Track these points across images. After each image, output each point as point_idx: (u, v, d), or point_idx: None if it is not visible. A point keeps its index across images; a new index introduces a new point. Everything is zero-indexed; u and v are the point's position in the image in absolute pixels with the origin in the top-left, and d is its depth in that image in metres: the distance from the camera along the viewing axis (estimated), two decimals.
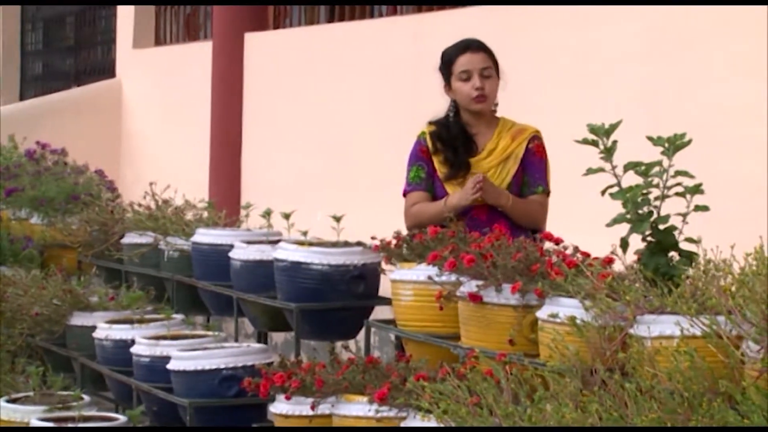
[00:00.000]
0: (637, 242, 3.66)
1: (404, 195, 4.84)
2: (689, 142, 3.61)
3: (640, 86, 5.81)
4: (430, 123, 4.88)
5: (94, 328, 5.93)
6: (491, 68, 4.82)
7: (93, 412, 5.29)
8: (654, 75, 5.76)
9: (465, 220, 4.61)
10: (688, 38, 5.62)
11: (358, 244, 5.17)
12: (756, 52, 5.30)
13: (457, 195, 4.71)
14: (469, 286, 3.93)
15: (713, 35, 5.51)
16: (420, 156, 4.83)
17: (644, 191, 3.62)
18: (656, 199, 3.63)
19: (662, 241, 3.62)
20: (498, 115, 4.87)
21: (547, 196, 4.82)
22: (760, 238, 3.37)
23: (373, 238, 4.63)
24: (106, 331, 5.83)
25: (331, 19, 8.26)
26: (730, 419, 2.79)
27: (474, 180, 4.67)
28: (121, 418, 5.22)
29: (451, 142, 4.80)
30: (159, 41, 10.43)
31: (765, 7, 5.19)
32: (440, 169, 4.79)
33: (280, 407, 4.39)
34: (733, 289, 3.19)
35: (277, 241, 5.46)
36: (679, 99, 5.62)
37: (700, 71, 5.56)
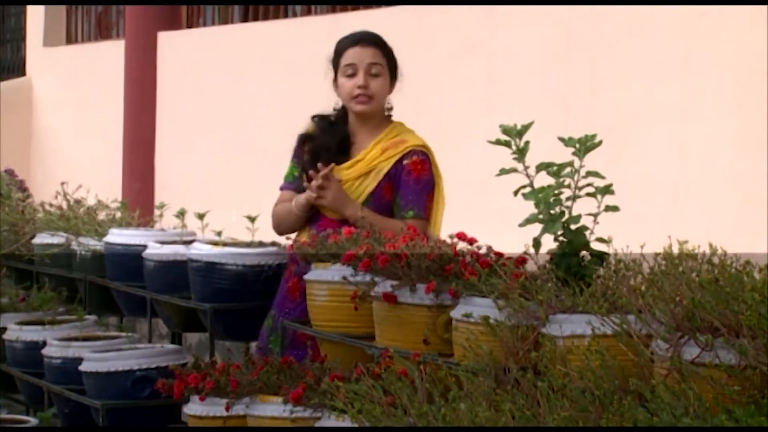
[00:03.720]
0: (549, 242, 3.70)
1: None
2: (600, 143, 3.65)
3: (551, 87, 5.87)
4: (314, 117, 4.50)
5: (4, 329, 5.86)
6: (382, 66, 4.36)
7: (3, 415, 5.23)
8: (565, 76, 5.82)
9: (312, 232, 4.35)
10: (599, 40, 5.68)
11: (273, 244, 5.16)
12: (667, 53, 5.38)
13: (305, 193, 4.37)
14: (384, 286, 3.94)
15: (624, 37, 5.58)
16: (297, 153, 4.53)
17: (556, 192, 3.65)
18: (568, 199, 3.66)
19: (574, 241, 3.65)
20: (397, 119, 4.43)
21: (421, 221, 4.31)
22: (669, 238, 3.42)
23: (287, 238, 4.62)
24: (17, 332, 5.77)
25: (245, 19, 8.24)
26: (640, 417, 2.83)
27: (318, 177, 4.25)
28: (32, 421, 5.17)
29: (318, 147, 4.39)
30: (70, 39, 10.33)
31: (675, 8, 5.27)
32: (304, 173, 4.43)
33: (194, 408, 4.37)
34: (643, 288, 3.23)
35: (191, 242, 5.43)
36: (590, 100, 5.68)
37: (611, 73, 5.63)
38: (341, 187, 4.31)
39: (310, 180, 4.33)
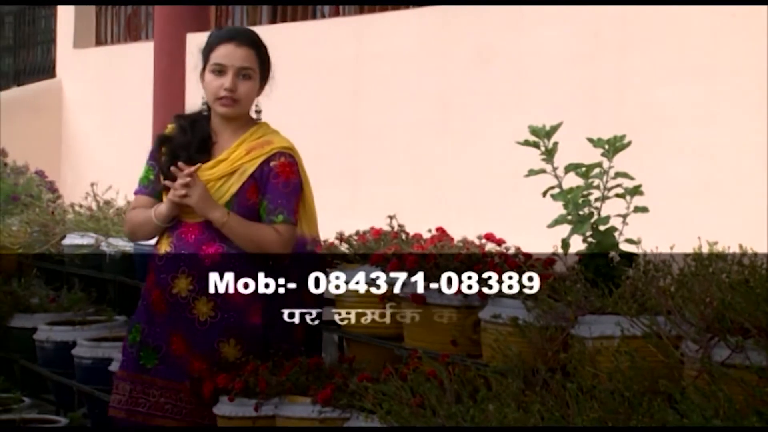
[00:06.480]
0: (578, 243, 3.69)
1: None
2: (629, 143, 3.64)
3: (579, 89, 5.86)
4: (176, 117, 4.24)
5: (34, 329, 5.89)
6: (253, 70, 4.15)
7: (34, 415, 5.26)
8: (594, 77, 5.81)
9: (172, 239, 4.14)
10: (627, 41, 5.67)
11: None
12: (694, 54, 5.36)
13: (167, 198, 4.08)
14: (412, 287, 3.95)
15: (651, 38, 5.56)
16: (153, 155, 4.24)
17: (585, 192, 3.65)
18: (596, 200, 3.66)
19: (602, 242, 3.65)
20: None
21: (291, 225, 4.10)
22: (699, 239, 3.41)
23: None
24: (47, 332, 5.80)
25: (273, 20, 8.26)
26: (670, 418, 2.82)
27: (183, 175, 4.02)
28: (62, 421, 5.19)
29: (177, 147, 4.13)
30: (100, 41, 10.37)
31: (704, 8, 5.26)
32: (161, 177, 4.17)
33: (223, 409, 4.38)
34: (673, 289, 3.23)
35: None
36: (618, 102, 5.67)
37: (639, 74, 5.62)
38: (206, 189, 4.07)
39: (174, 179, 4.07)
